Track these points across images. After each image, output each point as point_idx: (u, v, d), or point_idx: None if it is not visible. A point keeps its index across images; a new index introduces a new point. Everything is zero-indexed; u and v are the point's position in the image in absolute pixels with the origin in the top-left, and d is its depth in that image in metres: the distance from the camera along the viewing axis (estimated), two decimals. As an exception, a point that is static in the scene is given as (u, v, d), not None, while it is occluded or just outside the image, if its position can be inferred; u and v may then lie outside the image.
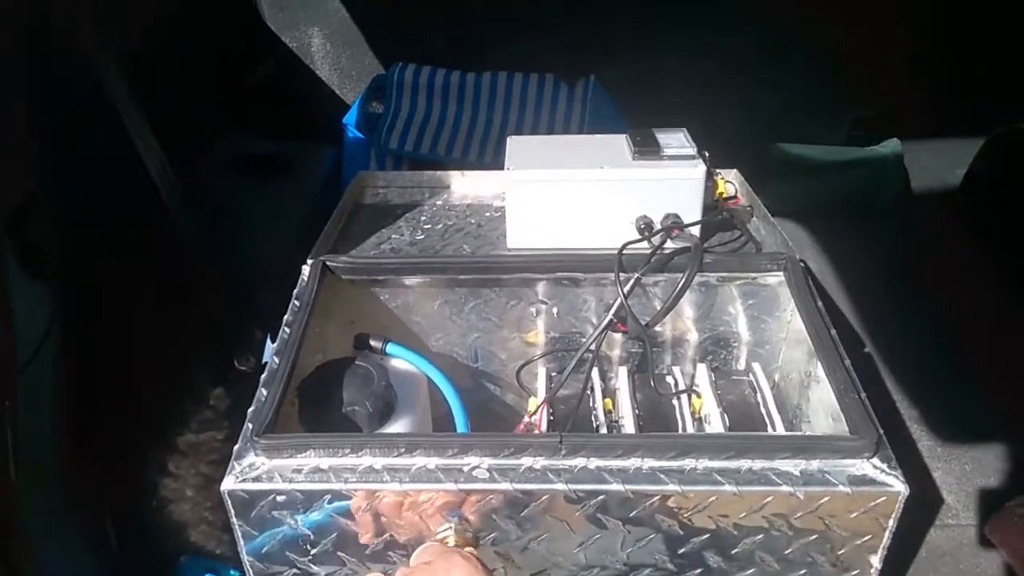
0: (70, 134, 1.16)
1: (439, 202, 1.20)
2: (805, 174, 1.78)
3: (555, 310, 1.02)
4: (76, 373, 1.00)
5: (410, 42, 1.73)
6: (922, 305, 1.53)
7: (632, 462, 0.71)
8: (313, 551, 0.74)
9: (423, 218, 1.15)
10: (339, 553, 0.75)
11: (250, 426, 0.74)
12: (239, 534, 0.73)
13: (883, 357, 1.41)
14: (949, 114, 1.91)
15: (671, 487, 0.70)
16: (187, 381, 1.31)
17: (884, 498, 0.70)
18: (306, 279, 0.96)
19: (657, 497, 0.70)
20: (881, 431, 0.73)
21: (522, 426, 0.88)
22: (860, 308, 1.51)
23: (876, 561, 0.75)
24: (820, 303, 0.91)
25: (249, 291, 1.31)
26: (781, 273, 0.95)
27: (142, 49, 1.39)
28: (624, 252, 0.96)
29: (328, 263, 0.97)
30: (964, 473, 1.21)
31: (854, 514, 0.71)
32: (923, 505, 1.16)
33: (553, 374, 1.04)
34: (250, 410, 0.77)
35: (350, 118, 1.68)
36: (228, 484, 0.71)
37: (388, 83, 1.67)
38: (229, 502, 0.71)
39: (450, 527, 0.72)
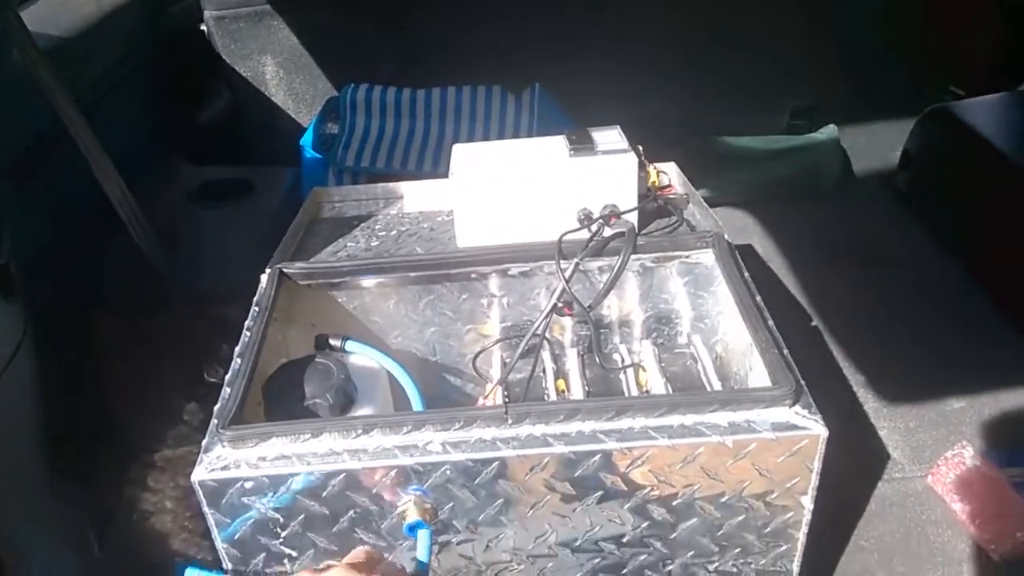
0: (34, 168, 1.21)
1: (393, 211, 1.25)
2: (749, 164, 1.87)
3: (506, 300, 1.08)
4: (48, 393, 1.04)
5: (360, 65, 1.80)
6: (865, 279, 1.60)
7: (574, 426, 0.77)
8: (283, 533, 0.79)
9: (377, 226, 1.21)
10: (308, 534, 0.80)
11: (216, 421, 0.79)
12: (212, 523, 0.78)
13: (830, 329, 1.48)
14: (884, 97, 2.01)
15: (610, 444, 0.76)
16: (160, 398, 1.36)
17: (806, 441, 0.76)
18: (264, 286, 1.01)
19: (598, 455, 0.76)
20: (801, 381, 0.79)
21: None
22: (806, 285, 1.59)
23: (807, 501, 0.81)
24: (747, 274, 0.98)
25: (216, 308, 1.36)
26: (709, 250, 1.02)
27: (101, 89, 1.45)
28: (565, 241, 1.02)
29: (284, 270, 1.02)
30: (908, 429, 1.27)
31: (781, 458, 0.77)
32: (871, 461, 1.23)
33: (507, 360, 1.10)
34: (215, 407, 0.82)
35: (307, 140, 1.73)
36: (198, 475, 0.76)
37: (341, 104, 1.73)
38: (200, 492, 0.76)
39: (410, 499, 0.77)
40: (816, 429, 0.76)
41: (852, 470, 1.19)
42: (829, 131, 1.90)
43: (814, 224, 1.75)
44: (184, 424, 1.33)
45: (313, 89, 1.82)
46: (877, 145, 2.01)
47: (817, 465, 0.78)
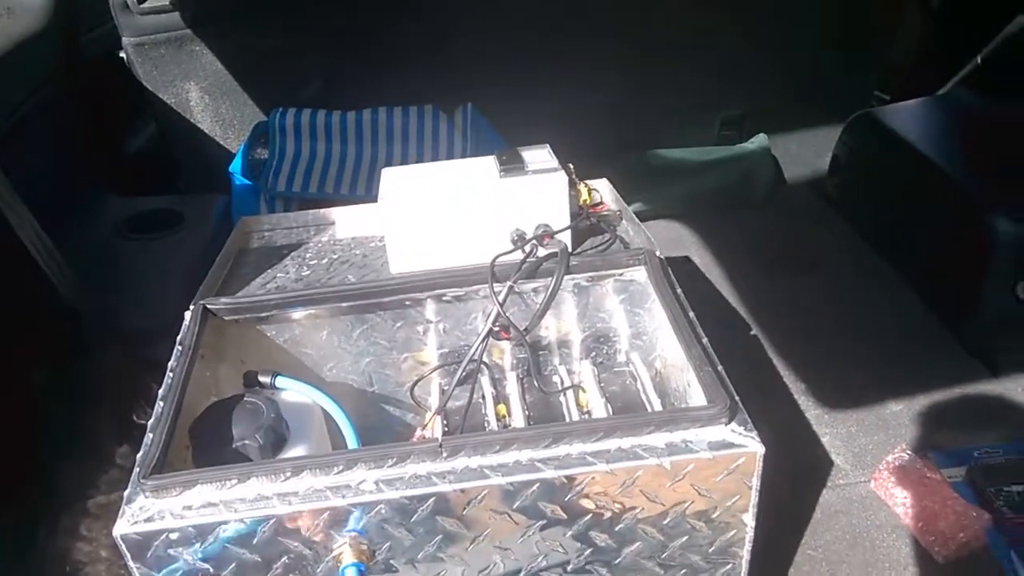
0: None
1: (324, 238, 1.23)
2: (681, 176, 1.88)
3: (442, 326, 1.06)
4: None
5: (288, 88, 1.77)
6: (801, 286, 1.62)
7: (510, 455, 0.76)
8: (215, 584, 0.76)
9: (308, 255, 1.18)
10: (241, 583, 0.76)
11: (138, 469, 0.76)
12: (137, 577, 0.74)
13: (769, 339, 1.49)
14: (813, 105, 2.05)
15: (548, 473, 0.74)
16: (89, 442, 1.31)
17: (743, 459, 0.76)
18: (188, 324, 0.97)
19: (537, 484, 0.74)
20: (736, 397, 0.79)
21: (415, 440, 0.92)
22: (744, 295, 1.60)
23: (748, 519, 0.80)
24: (679, 290, 0.97)
25: (145, 346, 1.32)
26: (642, 267, 1.01)
27: (11, 122, 1.39)
28: (498, 264, 1.00)
29: (208, 306, 0.99)
30: (850, 435, 1.29)
31: (719, 477, 0.76)
32: (815, 469, 1.24)
33: (445, 388, 1.08)
34: (138, 455, 0.78)
35: (236, 166, 1.70)
36: (120, 528, 0.72)
37: (270, 129, 1.70)
38: (123, 546, 0.73)
39: (344, 541, 0.75)
40: (753, 446, 0.76)
41: (796, 479, 1.20)
42: (760, 140, 1.93)
43: (748, 233, 1.77)
44: (116, 468, 1.29)
45: (240, 114, 1.78)
46: (807, 152, 2.05)
47: (755, 482, 0.77)
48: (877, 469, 1.20)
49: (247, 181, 1.68)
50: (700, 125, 1.97)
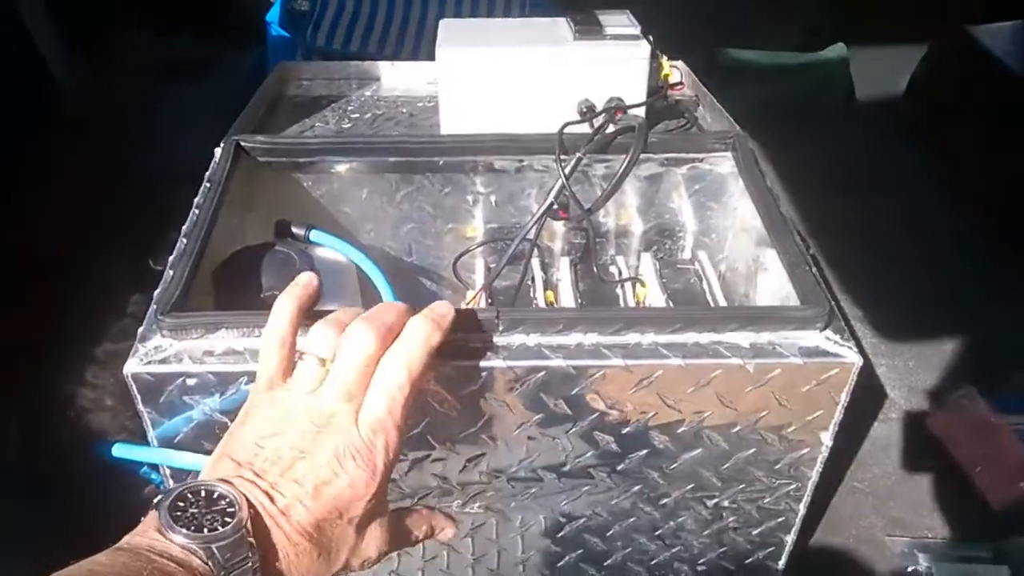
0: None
1: (368, 93, 1.12)
2: (751, 78, 1.75)
3: (493, 199, 0.96)
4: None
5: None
6: (864, 209, 1.51)
7: (574, 337, 0.67)
8: (230, 441, 0.68)
9: (350, 108, 1.08)
10: (259, 443, 0.69)
11: (155, 306, 0.67)
12: (147, 421, 0.67)
13: (826, 259, 1.39)
14: (893, 21, 1.89)
15: (615, 361, 0.65)
16: (102, 287, 1.23)
17: (837, 370, 0.67)
18: (218, 160, 0.87)
19: (599, 373, 0.66)
20: (832, 303, 0.69)
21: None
22: (803, 213, 1.49)
23: (827, 438, 0.72)
24: (769, 182, 0.87)
25: (165, 194, 1.23)
26: (729, 153, 0.91)
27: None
28: (565, 133, 0.90)
29: (243, 143, 0.89)
30: (907, 369, 1.20)
31: (806, 388, 0.68)
32: (867, 400, 1.16)
33: (491, 266, 0.99)
34: (155, 292, 0.70)
35: (273, 15, 1.57)
36: (131, 367, 0.64)
37: (314, -23, 1.56)
38: (134, 386, 0.65)
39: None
40: (851, 357, 0.67)
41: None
42: (838, 50, 1.79)
43: (816, 147, 1.64)
44: (128, 316, 1.21)
45: (283, -42, 1.64)
46: (883, 70, 1.90)
47: (844, 398, 0.69)
48: (935, 407, 1.12)
49: (285, 33, 1.56)
50: (778, 28, 1.81)
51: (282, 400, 0.54)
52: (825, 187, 1.56)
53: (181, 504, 0.47)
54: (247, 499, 0.48)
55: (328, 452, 0.51)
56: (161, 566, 0.43)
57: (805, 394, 0.68)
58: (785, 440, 0.72)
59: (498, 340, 0.66)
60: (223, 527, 0.46)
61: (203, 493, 0.47)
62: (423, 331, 0.55)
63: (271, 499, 0.49)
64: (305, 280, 0.60)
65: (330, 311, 0.58)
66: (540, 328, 0.66)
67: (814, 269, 0.73)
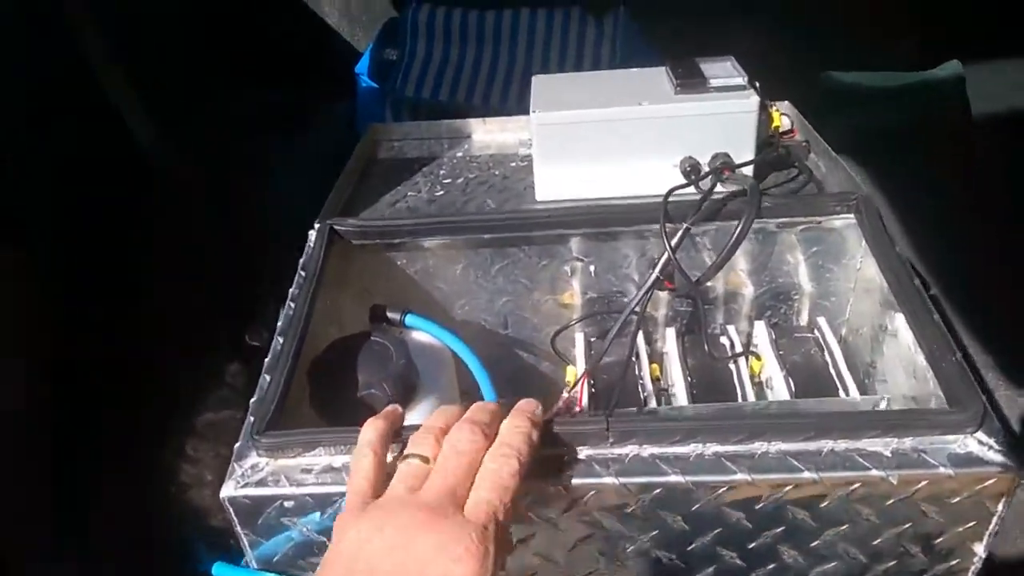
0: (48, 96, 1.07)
1: (459, 153, 1.09)
2: (858, 103, 1.64)
3: (592, 268, 0.92)
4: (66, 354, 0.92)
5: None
6: (994, 243, 1.39)
7: (692, 448, 0.61)
8: (330, 557, 0.65)
9: (442, 171, 1.05)
10: (360, 558, 0.66)
11: (252, 420, 0.65)
12: (245, 543, 0.64)
13: (952, 299, 1.28)
14: (1015, 35, 1.75)
15: (740, 476, 0.60)
16: (201, 357, 1.24)
17: (993, 480, 0.59)
18: (312, 246, 0.85)
19: (723, 488, 0.60)
20: (985, 399, 0.62)
21: (561, 403, 0.78)
22: (923, 249, 1.39)
23: (980, 549, 0.64)
24: (897, 247, 0.79)
25: (260, 257, 1.22)
26: (851, 215, 0.83)
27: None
28: (669, 200, 0.84)
29: (336, 227, 0.87)
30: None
31: (956, 499, 0.60)
32: None
33: (592, 339, 0.94)
34: (252, 400, 0.68)
35: (362, 67, 1.57)
36: (228, 490, 0.62)
37: (402, 27, 1.56)
38: (231, 509, 0.63)
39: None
40: (1007, 465, 0.59)
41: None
42: (953, 67, 1.66)
43: (930, 174, 1.53)
44: (227, 386, 1.21)
45: (371, 9, 1.64)
46: (1002, 88, 1.76)
47: (1002, 509, 0.61)
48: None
49: (374, 84, 1.55)
50: (884, 46, 1.70)
51: (379, 507, 0.53)
52: (945, 218, 1.45)
53: None
54: None
55: (435, 547, 0.49)
56: None
57: (956, 505, 0.61)
58: (932, 550, 0.64)
59: (609, 452, 0.61)
60: None
61: None
62: (523, 426, 0.57)
63: None
64: (392, 414, 0.62)
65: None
66: (655, 439, 0.61)
67: (959, 356, 0.66)
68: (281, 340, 0.74)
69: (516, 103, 1.45)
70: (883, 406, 0.73)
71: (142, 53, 1.12)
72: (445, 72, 1.51)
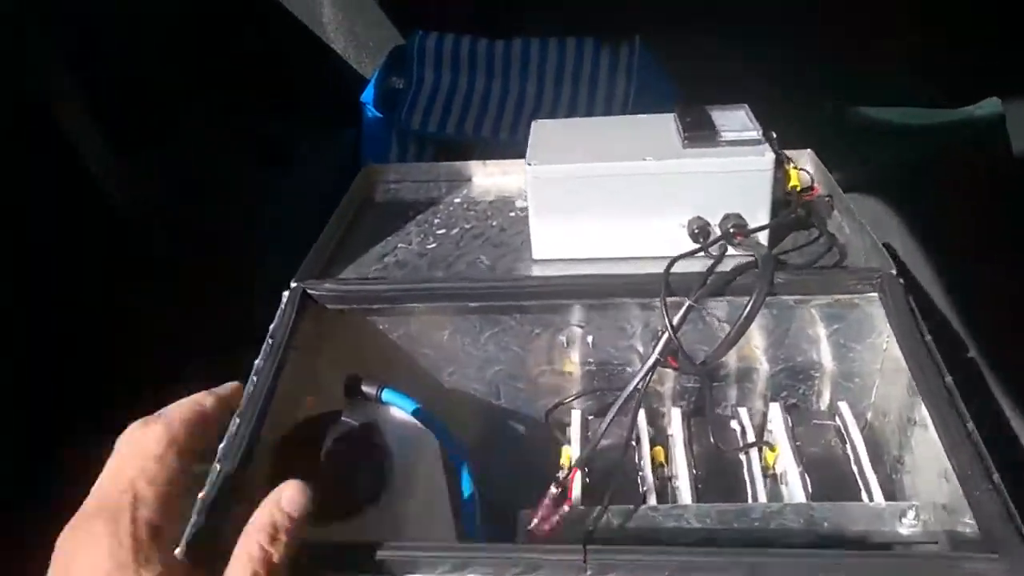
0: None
1: (457, 199, 1.02)
2: (888, 141, 1.56)
3: (590, 339, 0.84)
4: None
5: (432, 7, 1.54)
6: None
7: (682, 580, 0.53)
8: None
9: (437, 220, 0.98)
10: None
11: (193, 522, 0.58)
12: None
13: (990, 361, 1.19)
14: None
15: (737, 622, 0.52)
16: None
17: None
18: (283, 309, 0.79)
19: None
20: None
21: (548, 499, 0.70)
22: (962, 301, 1.29)
23: None
24: (927, 336, 0.71)
25: (249, 310, 1.16)
26: (875, 295, 0.75)
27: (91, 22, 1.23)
28: (672, 270, 0.77)
29: (309, 291, 0.80)
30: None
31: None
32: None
33: (589, 416, 0.86)
34: (199, 495, 0.61)
35: (368, 95, 1.51)
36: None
37: (409, 54, 1.50)
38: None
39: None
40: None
41: None
42: (991, 106, 1.57)
43: (969, 219, 1.43)
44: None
45: (377, 36, 1.58)
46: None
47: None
48: None
49: (379, 114, 1.49)
50: (915, 80, 1.61)
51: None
52: (985, 268, 1.35)
53: None
54: None
55: None
56: None
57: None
58: None
59: (586, 584, 0.54)
60: None
61: None
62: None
63: None
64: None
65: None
66: (640, 574, 0.53)
67: (996, 479, 0.57)
68: (238, 421, 0.67)
69: (526, 137, 1.37)
70: (911, 516, 0.65)
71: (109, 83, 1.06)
72: (453, 102, 1.45)
